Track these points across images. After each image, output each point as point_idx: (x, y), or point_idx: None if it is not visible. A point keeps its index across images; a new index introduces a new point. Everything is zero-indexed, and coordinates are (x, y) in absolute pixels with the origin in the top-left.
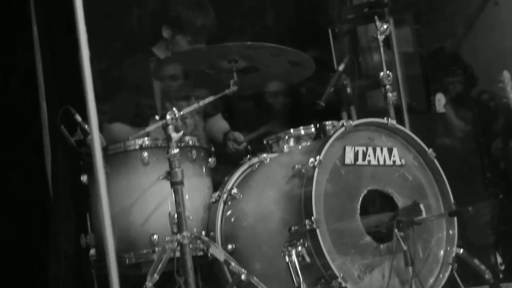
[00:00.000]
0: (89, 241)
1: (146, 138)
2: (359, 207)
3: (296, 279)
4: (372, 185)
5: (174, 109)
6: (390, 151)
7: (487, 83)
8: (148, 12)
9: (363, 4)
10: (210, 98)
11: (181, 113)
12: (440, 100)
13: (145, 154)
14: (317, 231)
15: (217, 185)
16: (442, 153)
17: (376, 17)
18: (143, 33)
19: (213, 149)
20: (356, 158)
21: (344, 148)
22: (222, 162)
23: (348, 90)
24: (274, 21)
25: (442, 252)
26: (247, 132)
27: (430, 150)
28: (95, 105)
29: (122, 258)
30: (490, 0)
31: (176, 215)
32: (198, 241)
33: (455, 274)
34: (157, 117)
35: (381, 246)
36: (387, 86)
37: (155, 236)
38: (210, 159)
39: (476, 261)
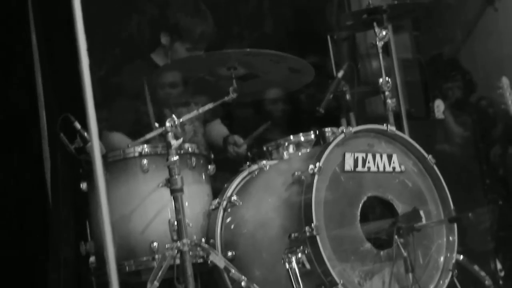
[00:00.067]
0: (89, 248)
1: (145, 145)
2: (359, 213)
3: (296, 286)
4: (372, 192)
5: (174, 116)
6: (389, 157)
7: (485, 89)
8: (147, 19)
9: (362, 11)
10: (210, 105)
11: (181, 120)
12: (439, 107)
13: (145, 161)
14: (317, 238)
15: (216, 192)
16: (441, 159)
17: (375, 24)
18: (142, 40)
19: (212, 156)
20: (355, 165)
21: (344, 155)
22: (222, 169)
23: (347, 96)
24: (273, 28)
25: (442, 259)
26: (246, 138)
27: (430, 156)
28: (95, 112)
29: (122, 265)
30: (489, 6)
31: (176, 222)
32: (198, 248)
33: (455, 281)
34: (156, 125)
35: (381, 252)
36: (386, 93)
37: (155, 244)
38: (209, 166)
39: (476, 268)
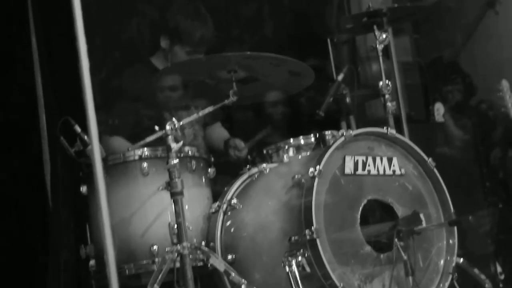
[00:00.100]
0: (89, 252)
1: (145, 149)
2: (359, 216)
3: None
4: (372, 195)
5: (174, 119)
6: (390, 160)
7: (486, 92)
8: (147, 23)
9: (362, 14)
10: (210, 108)
11: (181, 123)
12: (439, 110)
13: (145, 164)
14: (317, 241)
15: (216, 195)
16: (441, 162)
17: (375, 27)
18: (142, 43)
19: (212, 159)
20: (356, 168)
21: (344, 158)
22: (222, 172)
23: (347, 99)
24: (273, 31)
25: (442, 262)
26: (247, 142)
27: (430, 159)
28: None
29: (122, 268)
30: (490, 9)
31: (176, 225)
32: (198, 252)
33: (455, 284)
34: (156, 128)
35: (381, 255)
36: (386, 96)
37: (155, 247)
38: (209, 169)
39: (476, 271)
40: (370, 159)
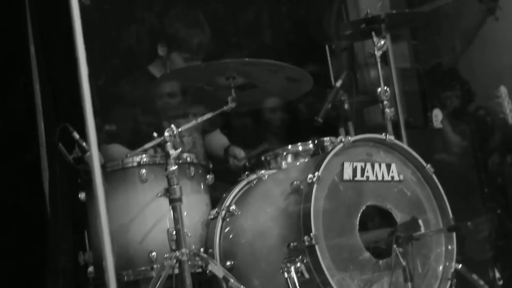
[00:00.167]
0: (87, 258)
1: (144, 155)
2: (357, 223)
3: None
4: (370, 201)
5: (172, 126)
6: (388, 166)
7: (484, 98)
8: (145, 30)
9: (360, 20)
10: (208, 115)
11: (179, 130)
12: (437, 116)
13: (143, 171)
14: (316, 247)
15: (215, 201)
16: (440, 168)
17: (373, 33)
18: (141, 50)
19: (211, 166)
20: (354, 174)
21: (343, 164)
22: (220, 179)
23: (346, 106)
24: (272, 38)
25: (441, 268)
26: (245, 148)
27: (428, 165)
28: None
29: (120, 275)
30: (490, 16)
31: (174, 232)
32: (197, 258)
33: None
34: (155, 134)
35: (380, 261)
36: (385, 102)
37: (154, 253)
38: (208, 176)
39: (475, 276)
40: (368, 165)
